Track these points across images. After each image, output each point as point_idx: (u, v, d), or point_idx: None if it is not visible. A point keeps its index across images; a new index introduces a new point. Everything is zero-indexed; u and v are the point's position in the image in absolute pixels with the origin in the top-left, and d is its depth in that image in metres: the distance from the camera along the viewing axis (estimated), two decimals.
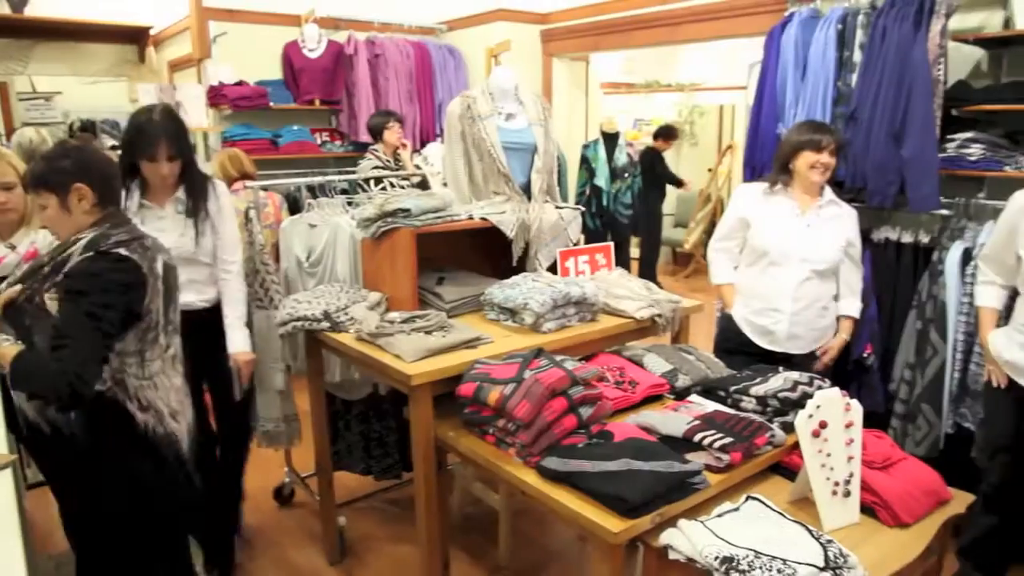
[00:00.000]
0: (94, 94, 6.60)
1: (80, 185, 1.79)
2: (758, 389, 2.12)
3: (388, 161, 4.33)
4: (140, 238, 1.85)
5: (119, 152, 4.71)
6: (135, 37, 6.43)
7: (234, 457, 2.87)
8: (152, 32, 6.36)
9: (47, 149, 1.85)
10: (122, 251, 1.76)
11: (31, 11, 6.00)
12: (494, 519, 2.96)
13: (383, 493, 3.40)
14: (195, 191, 2.45)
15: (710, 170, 8.29)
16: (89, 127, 6.49)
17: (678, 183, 7.48)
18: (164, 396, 1.90)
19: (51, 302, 1.74)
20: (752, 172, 3.48)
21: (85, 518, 1.98)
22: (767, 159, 3.27)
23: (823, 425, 1.77)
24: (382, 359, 2.19)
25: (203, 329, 2.52)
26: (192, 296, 2.47)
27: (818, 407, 1.78)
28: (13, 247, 2.40)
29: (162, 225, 2.40)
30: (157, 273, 1.84)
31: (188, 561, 2.19)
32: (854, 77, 3.14)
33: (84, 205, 1.81)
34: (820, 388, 2.08)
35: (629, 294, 2.66)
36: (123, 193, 2.30)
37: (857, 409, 1.85)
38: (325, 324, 2.46)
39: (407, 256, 2.51)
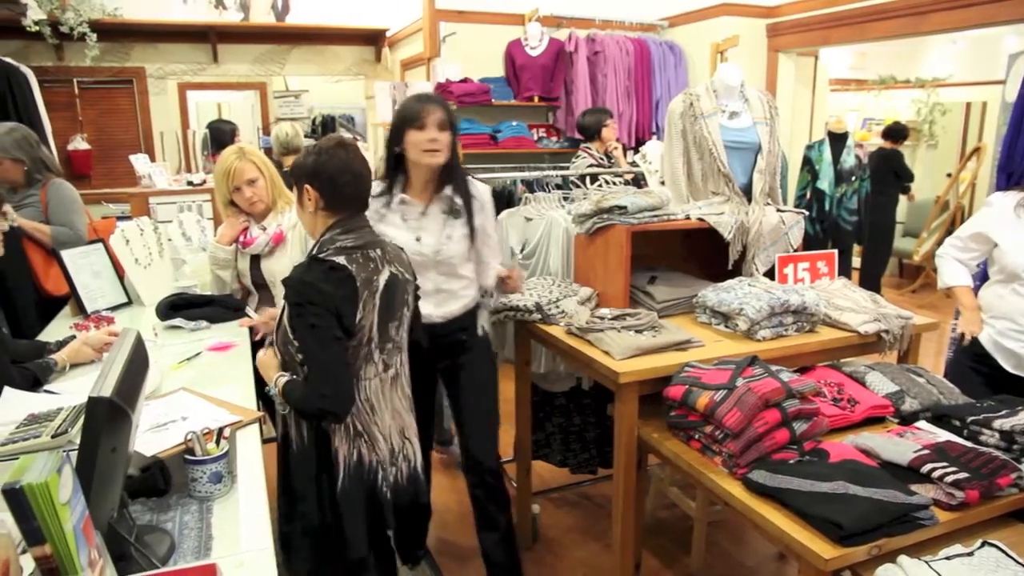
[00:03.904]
0: (335, 91, 7.31)
1: (307, 187, 1.78)
2: (1003, 422, 1.90)
3: (601, 159, 4.37)
4: (365, 247, 1.78)
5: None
6: (373, 39, 7.03)
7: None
8: (388, 34, 6.89)
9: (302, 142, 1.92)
10: (340, 259, 1.70)
11: (291, 19, 6.76)
12: (687, 526, 2.90)
13: (576, 487, 3.44)
14: (461, 188, 2.30)
15: (949, 175, 7.50)
16: (329, 121, 7.19)
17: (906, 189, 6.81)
18: (380, 420, 1.83)
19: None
20: (1008, 179, 3.13)
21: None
22: None
23: None
24: (591, 354, 2.22)
25: (439, 348, 2.35)
26: (429, 308, 2.29)
27: None
28: (264, 228, 2.74)
29: (423, 223, 2.28)
30: (375, 287, 1.76)
31: (391, 556, 2.15)
32: None
33: (311, 206, 1.79)
34: None
35: (853, 306, 2.49)
36: (384, 191, 2.28)
37: None
38: (536, 315, 2.54)
39: (621, 253, 2.52)
